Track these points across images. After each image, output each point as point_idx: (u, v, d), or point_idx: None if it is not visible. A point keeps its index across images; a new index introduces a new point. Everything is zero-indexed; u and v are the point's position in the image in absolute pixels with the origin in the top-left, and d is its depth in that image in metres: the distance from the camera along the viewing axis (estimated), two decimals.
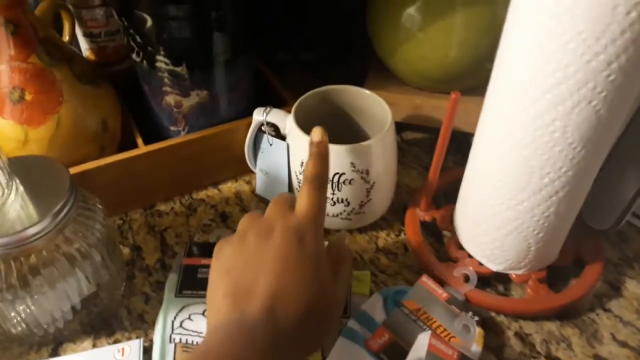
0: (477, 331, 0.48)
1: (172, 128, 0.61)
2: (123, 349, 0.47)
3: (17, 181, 0.44)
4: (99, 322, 0.51)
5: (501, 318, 0.51)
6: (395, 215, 0.61)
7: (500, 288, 0.54)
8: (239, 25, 0.56)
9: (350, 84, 0.58)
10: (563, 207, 0.45)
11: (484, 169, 0.47)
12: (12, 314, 0.45)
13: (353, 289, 0.52)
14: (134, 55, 0.57)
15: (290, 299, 0.37)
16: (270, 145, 0.59)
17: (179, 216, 0.62)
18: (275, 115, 0.56)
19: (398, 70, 0.65)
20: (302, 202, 0.42)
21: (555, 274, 0.53)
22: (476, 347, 0.47)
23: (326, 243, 0.43)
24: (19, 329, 0.46)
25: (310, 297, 0.37)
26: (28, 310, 0.45)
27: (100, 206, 0.48)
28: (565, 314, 0.52)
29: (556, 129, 0.39)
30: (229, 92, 0.60)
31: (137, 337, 0.50)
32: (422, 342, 0.46)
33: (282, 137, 0.57)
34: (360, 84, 0.60)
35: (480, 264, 0.53)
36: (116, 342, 0.50)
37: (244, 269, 0.39)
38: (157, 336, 0.48)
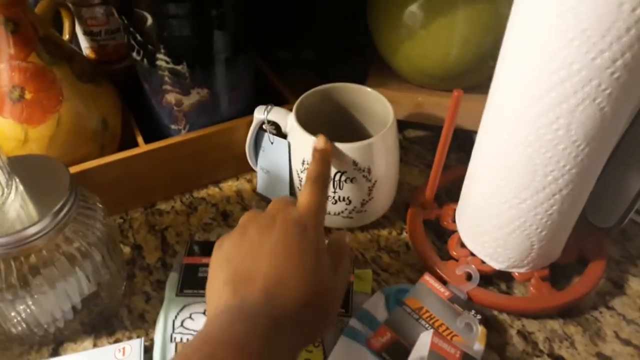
0: (480, 330, 0.48)
1: (173, 127, 0.61)
2: (124, 349, 0.46)
3: (17, 180, 0.44)
4: (99, 322, 0.50)
5: (504, 316, 0.51)
6: (397, 213, 0.61)
7: (503, 286, 0.54)
8: (239, 24, 0.56)
9: (351, 82, 0.58)
10: (566, 205, 0.45)
11: (486, 167, 0.47)
12: (12, 314, 0.45)
13: (355, 288, 0.52)
14: (134, 54, 0.57)
15: (291, 286, 0.37)
16: (272, 143, 0.58)
17: (180, 215, 0.61)
18: (277, 114, 0.56)
19: (400, 68, 0.65)
20: (304, 197, 0.43)
21: (558, 272, 0.53)
22: (479, 346, 0.47)
23: (326, 241, 0.43)
24: (19, 328, 0.46)
25: (310, 285, 0.37)
26: (28, 310, 0.44)
27: (100, 205, 0.48)
28: (568, 312, 0.51)
29: (560, 127, 0.39)
30: (230, 91, 0.59)
31: (138, 337, 0.49)
32: (425, 341, 0.45)
33: (283, 136, 0.57)
34: (361, 81, 0.60)
35: (483, 262, 0.53)
36: (117, 341, 0.49)
37: (244, 257, 0.39)
38: (158, 335, 0.48)
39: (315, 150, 0.49)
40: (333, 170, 0.52)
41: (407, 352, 0.46)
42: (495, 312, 0.52)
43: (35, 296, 0.43)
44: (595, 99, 0.37)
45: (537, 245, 0.49)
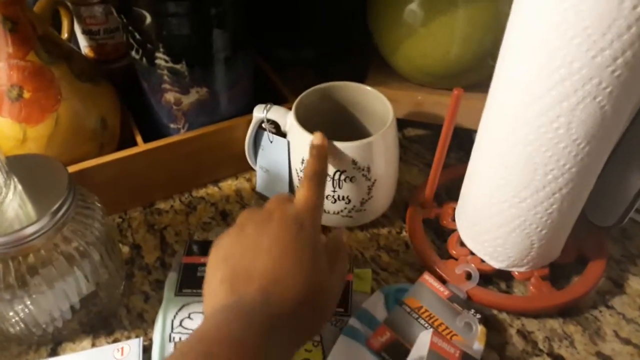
0: (479, 329, 0.48)
1: (172, 126, 0.61)
2: (122, 349, 0.46)
3: (15, 180, 0.44)
4: (98, 322, 0.50)
5: (503, 316, 0.51)
6: (396, 212, 0.61)
7: (503, 285, 0.54)
8: (238, 22, 0.56)
9: (351, 81, 0.58)
10: (566, 204, 0.45)
11: (486, 166, 0.47)
12: (11, 314, 0.44)
13: (354, 287, 0.52)
14: (133, 53, 0.56)
15: (288, 284, 0.37)
16: (271, 142, 0.58)
17: (179, 214, 0.61)
18: (276, 112, 0.56)
19: (399, 67, 0.64)
20: (301, 194, 0.43)
21: (557, 271, 0.53)
22: (478, 345, 0.47)
23: (324, 238, 0.43)
24: (18, 328, 0.46)
25: (307, 281, 0.37)
26: (26, 310, 0.44)
27: (99, 205, 0.48)
28: (567, 312, 0.51)
29: (560, 126, 0.39)
30: (229, 89, 0.59)
31: (137, 337, 0.49)
32: (424, 340, 0.45)
33: (283, 134, 0.57)
34: (361, 80, 0.60)
35: (483, 261, 0.53)
36: (115, 341, 0.49)
37: (241, 255, 0.39)
38: (156, 335, 0.48)
39: (312, 147, 0.49)
40: (332, 169, 0.52)
41: (407, 351, 0.46)
42: (495, 312, 0.51)
43: (34, 296, 0.43)
44: (595, 97, 0.37)
45: (537, 244, 0.49)
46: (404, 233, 0.59)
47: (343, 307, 0.50)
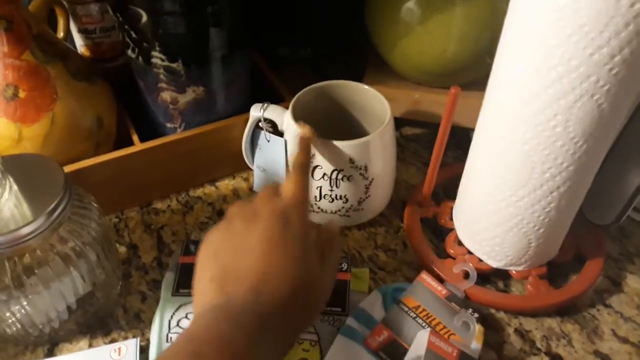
0: (477, 328, 0.47)
1: (168, 125, 0.61)
2: (119, 349, 0.46)
3: (11, 180, 0.44)
4: (95, 322, 0.50)
5: (501, 315, 0.51)
6: (394, 211, 0.61)
7: (500, 284, 0.54)
8: (235, 21, 0.55)
9: (348, 79, 0.57)
10: (564, 202, 0.45)
11: (484, 165, 0.47)
12: (7, 314, 0.44)
13: (352, 286, 0.52)
14: (129, 52, 0.56)
15: (277, 280, 0.36)
16: (268, 141, 0.58)
17: (176, 214, 0.61)
18: (273, 112, 0.56)
19: (397, 65, 0.64)
20: (289, 187, 0.43)
21: (555, 270, 0.53)
22: (476, 344, 0.47)
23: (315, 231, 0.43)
24: (14, 329, 0.46)
25: (297, 276, 0.37)
26: (23, 311, 0.44)
27: (95, 204, 0.48)
28: (565, 310, 0.51)
29: (558, 124, 0.39)
30: (226, 88, 0.59)
31: (134, 337, 0.49)
32: (422, 339, 0.45)
33: (280, 134, 0.57)
34: (358, 79, 0.59)
35: (480, 260, 0.53)
36: (112, 341, 0.49)
37: (230, 253, 0.38)
38: (153, 335, 0.48)
39: (300, 138, 0.48)
40: (330, 168, 0.51)
41: (404, 351, 0.46)
42: (493, 311, 0.51)
43: (30, 296, 0.43)
44: (593, 95, 0.37)
45: (535, 243, 0.49)
46: (401, 232, 0.59)
47: (340, 307, 0.50)
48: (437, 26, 0.57)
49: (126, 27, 0.54)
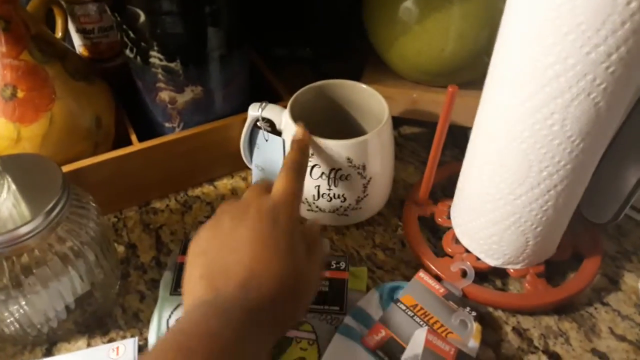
0: (475, 326, 0.48)
1: (167, 124, 0.61)
2: (118, 348, 0.46)
3: (9, 179, 0.44)
4: (93, 322, 0.50)
5: (499, 313, 0.51)
6: (392, 210, 0.61)
7: (498, 283, 0.54)
8: (233, 20, 0.55)
9: (347, 78, 0.58)
10: (561, 201, 0.45)
11: (481, 163, 0.47)
12: (5, 314, 0.44)
13: (350, 285, 0.52)
14: (127, 51, 0.56)
15: (265, 276, 0.37)
16: (266, 140, 0.58)
17: (174, 213, 0.61)
18: (271, 111, 0.56)
19: (395, 65, 0.64)
20: (279, 185, 0.43)
21: (553, 269, 0.53)
22: (473, 343, 0.47)
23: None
24: (12, 329, 0.46)
25: (284, 272, 0.38)
26: (21, 310, 0.44)
27: (93, 204, 0.48)
28: (563, 309, 0.51)
29: (555, 122, 0.39)
30: (224, 88, 0.59)
31: (132, 336, 0.49)
32: (419, 338, 0.45)
33: (278, 133, 0.57)
34: (357, 78, 0.60)
35: (478, 259, 0.53)
36: (111, 341, 0.49)
37: (219, 250, 0.39)
38: (152, 335, 0.48)
39: (293, 140, 0.49)
40: (328, 168, 0.51)
41: (402, 349, 0.46)
42: (490, 309, 0.51)
43: (28, 296, 0.43)
44: (590, 93, 0.37)
45: (532, 241, 0.49)
46: (399, 231, 0.59)
47: (338, 306, 0.50)
48: (434, 25, 0.57)
49: (124, 26, 0.54)
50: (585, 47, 0.35)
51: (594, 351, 0.48)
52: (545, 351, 0.48)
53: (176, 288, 0.51)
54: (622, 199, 0.51)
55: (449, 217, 0.57)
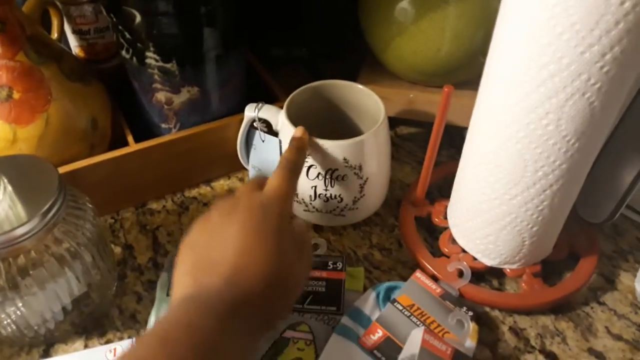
0: (472, 326, 0.48)
1: (163, 125, 0.61)
2: (115, 349, 0.46)
3: (5, 180, 0.43)
4: (90, 323, 0.50)
5: (495, 313, 0.51)
6: (389, 210, 0.61)
7: (495, 283, 0.54)
8: (229, 20, 0.55)
9: (343, 79, 0.58)
10: (557, 200, 0.45)
11: (477, 163, 0.47)
12: (2, 316, 0.44)
13: (347, 285, 0.52)
14: (123, 52, 0.56)
15: (251, 270, 0.37)
16: (263, 141, 0.58)
17: (171, 214, 0.61)
18: (268, 111, 0.56)
19: (391, 65, 0.65)
20: (272, 182, 0.43)
21: (549, 268, 0.53)
22: (470, 343, 0.47)
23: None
24: (9, 330, 0.46)
25: (272, 268, 0.37)
26: (18, 312, 0.44)
27: (90, 205, 0.48)
28: (559, 308, 0.51)
29: (550, 122, 0.39)
30: (220, 88, 0.59)
31: (129, 337, 0.49)
32: (416, 338, 0.45)
33: (275, 133, 0.57)
34: (353, 78, 0.60)
35: (475, 258, 0.53)
36: (108, 342, 0.49)
37: (206, 245, 0.39)
38: None
39: (292, 139, 0.49)
40: (324, 168, 0.52)
41: (399, 349, 0.46)
42: (487, 309, 0.51)
43: (25, 298, 0.43)
44: (584, 93, 0.37)
45: (529, 241, 0.49)
46: (396, 231, 0.59)
47: (335, 306, 0.50)
48: (430, 26, 0.57)
49: (120, 27, 0.54)
50: (579, 47, 0.35)
51: (590, 350, 0.49)
52: (542, 351, 0.48)
53: None
54: (618, 198, 0.51)
55: (445, 217, 0.57)
